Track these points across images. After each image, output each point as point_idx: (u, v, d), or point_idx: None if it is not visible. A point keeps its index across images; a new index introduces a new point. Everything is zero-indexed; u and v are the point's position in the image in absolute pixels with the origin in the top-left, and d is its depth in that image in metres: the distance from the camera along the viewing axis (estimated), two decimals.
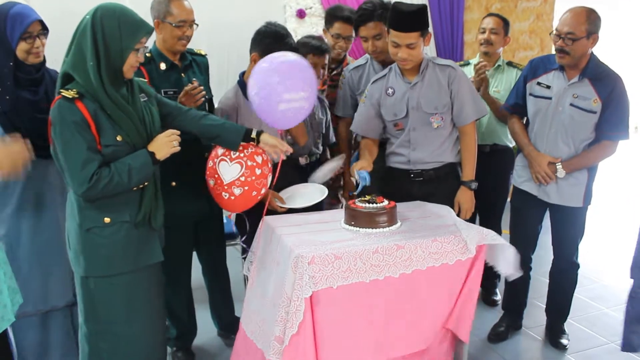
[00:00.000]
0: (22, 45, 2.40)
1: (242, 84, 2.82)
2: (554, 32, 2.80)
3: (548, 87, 2.93)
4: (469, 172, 2.86)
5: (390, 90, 2.86)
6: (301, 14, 4.86)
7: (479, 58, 3.70)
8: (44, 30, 2.48)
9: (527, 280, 3.26)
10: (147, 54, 2.67)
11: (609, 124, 2.83)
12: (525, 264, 3.19)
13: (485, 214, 3.64)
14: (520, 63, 3.75)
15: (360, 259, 2.13)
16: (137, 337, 2.24)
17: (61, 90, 2.07)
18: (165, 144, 2.19)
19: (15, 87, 2.43)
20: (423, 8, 2.66)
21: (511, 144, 3.65)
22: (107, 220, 2.15)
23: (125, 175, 2.08)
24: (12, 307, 2.11)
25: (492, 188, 3.56)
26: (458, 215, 2.72)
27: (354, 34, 3.32)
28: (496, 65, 3.63)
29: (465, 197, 2.85)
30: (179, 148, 2.22)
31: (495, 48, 3.60)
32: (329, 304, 2.11)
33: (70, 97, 2.05)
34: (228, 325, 3.21)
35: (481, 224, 3.52)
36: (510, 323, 3.36)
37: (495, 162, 3.55)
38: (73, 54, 2.08)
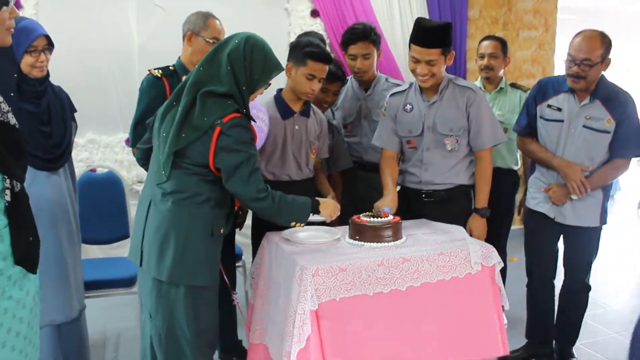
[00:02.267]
0: (27, 59, 2.42)
1: (279, 98, 2.85)
2: (568, 57, 2.79)
3: (559, 109, 2.91)
4: (482, 198, 2.79)
5: (408, 107, 2.83)
6: None
7: (480, 83, 3.70)
8: (50, 45, 2.50)
9: (552, 305, 3.17)
10: (171, 67, 2.74)
11: (621, 141, 2.83)
12: (548, 288, 3.15)
13: (490, 238, 3.57)
14: (523, 85, 3.76)
15: (365, 271, 2.08)
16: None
17: (241, 110, 2.14)
18: (333, 208, 2.37)
19: (19, 99, 2.43)
20: (447, 25, 2.63)
21: (515, 166, 3.64)
22: (222, 230, 2.23)
23: (284, 205, 2.20)
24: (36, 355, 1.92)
25: (496, 211, 3.50)
26: None
27: None
28: (498, 88, 3.63)
29: (478, 225, 2.79)
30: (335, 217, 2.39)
31: (496, 72, 3.62)
32: (335, 317, 2.05)
33: (247, 116, 2.16)
34: (230, 348, 3.14)
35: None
36: (535, 352, 3.22)
37: (499, 185, 3.49)
38: (225, 77, 2.12)
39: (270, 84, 2.29)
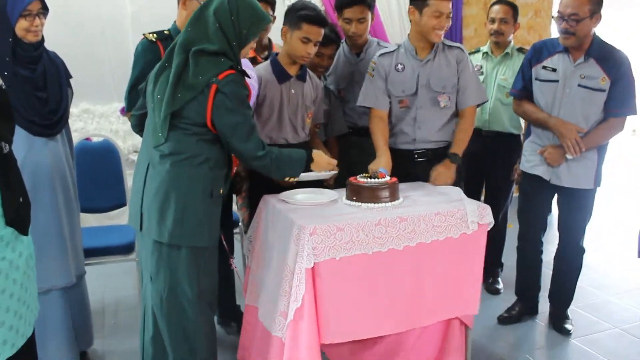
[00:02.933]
0: (21, 23, 2.39)
1: (275, 62, 2.84)
2: (557, 14, 2.79)
3: (554, 69, 2.92)
4: (458, 146, 2.80)
5: (400, 66, 2.84)
6: None
7: (489, 46, 3.69)
8: (44, 9, 2.47)
9: (540, 264, 3.26)
10: (166, 32, 2.71)
11: (616, 100, 2.84)
12: (537, 247, 3.21)
13: (492, 200, 3.61)
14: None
15: (363, 230, 2.10)
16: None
17: (235, 67, 2.13)
18: (327, 164, 2.40)
19: (14, 64, 2.41)
20: None
21: (516, 131, 3.66)
22: (221, 191, 2.23)
23: (282, 162, 2.22)
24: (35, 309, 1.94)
25: (499, 174, 3.62)
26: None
27: (270, 12, 3.31)
28: (504, 52, 3.63)
29: (445, 169, 2.74)
30: (332, 174, 2.45)
31: (506, 37, 3.61)
32: (331, 276, 2.07)
33: (241, 72, 2.14)
34: (228, 311, 3.18)
35: None
36: (525, 309, 3.33)
37: (501, 148, 3.58)
38: (214, 34, 2.10)
39: (259, 37, 2.28)
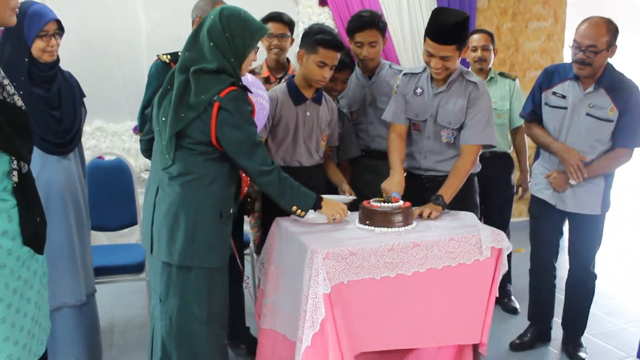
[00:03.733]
0: (37, 44, 2.42)
1: (291, 84, 2.84)
2: (573, 44, 2.78)
3: (563, 96, 2.92)
4: (445, 190, 2.59)
5: (419, 90, 2.81)
6: None
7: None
8: (60, 30, 2.50)
9: (553, 289, 3.22)
10: (179, 53, 2.67)
11: (624, 131, 2.82)
12: (549, 271, 3.17)
13: (493, 220, 3.60)
14: (511, 73, 3.94)
15: (375, 255, 2.08)
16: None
17: (237, 83, 2.12)
18: (336, 210, 2.37)
19: (29, 83, 2.44)
20: (465, 20, 2.54)
21: (508, 149, 3.79)
22: (231, 210, 2.22)
23: (289, 186, 2.22)
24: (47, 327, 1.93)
25: (495, 195, 3.64)
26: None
27: (288, 33, 3.38)
28: (489, 77, 3.74)
29: (431, 207, 2.56)
30: (338, 221, 2.40)
31: (488, 63, 3.76)
32: (345, 300, 2.05)
33: (243, 88, 2.14)
34: (238, 333, 3.15)
35: None
36: (537, 335, 3.27)
37: (495, 167, 3.62)
38: (211, 54, 2.10)
39: (258, 48, 2.28)
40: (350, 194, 2.79)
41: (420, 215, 2.50)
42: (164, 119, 2.15)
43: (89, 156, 3.80)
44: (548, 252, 3.14)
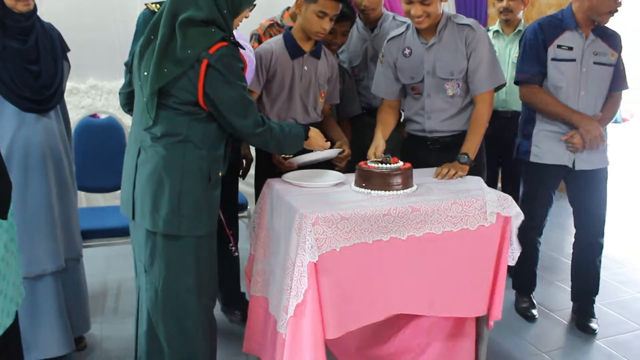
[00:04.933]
0: None
1: (288, 37, 2.66)
2: None
3: (570, 48, 2.77)
4: (468, 145, 2.47)
5: (407, 51, 2.61)
6: None
7: (499, 26, 3.53)
8: None
9: (537, 252, 3.11)
10: None
11: (621, 74, 2.86)
12: (536, 236, 3.05)
13: (512, 183, 3.46)
14: None
15: (369, 221, 1.91)
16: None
17: (228, 38, 1.93)
18: (321, 140, 2.28)
19: (3, 35, 2.27)
20: None
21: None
22: (220, 173, 2.08)
23: (283, 137, 2.09)
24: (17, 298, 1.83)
25: (507, 159, 3.44)
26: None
27: None
28: (516, 30, 3.49)
29: (457, 166, 2.42)
30: (335, 152, 2.38)
31: (515, 14, 3.48)
32: (332, 269, 1.90)
33: (234, 43, 1.96)
34: (233, 299, 3.05)
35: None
36: (519, 305, 3.17)
37: (504, 130, 3.41)
38: (204, 0, 1.91)
39: (255, 5, 2.10)
40: (344, 151, 2.63)
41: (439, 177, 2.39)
42: (145, 73, 1.96)
43: (84, 115, 3.67)
44: (540, 219, 3.01)
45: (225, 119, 1.96)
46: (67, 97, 4.19)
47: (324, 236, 1.85)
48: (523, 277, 3.15)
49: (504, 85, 2.64)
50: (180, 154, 1.96)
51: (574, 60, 2.76)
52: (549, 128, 2.86)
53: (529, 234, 2.99)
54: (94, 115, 3.74)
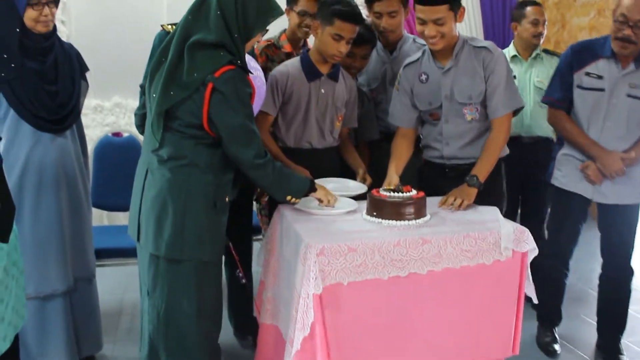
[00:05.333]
0: (29, 13, 2.28)
1: (305, 58, 2.62)
2: (619, 18, 2.49)
3: (599, 77, 2.62)
4: (479, 168, 2.37)
5: (423, 77, 2.54)
6: None
7: (514, 50, 3.46)
8: None
9: (563, 288, 2.95)
10: None
11: None
12: (563, 266, 2.91)
13: (529, 211, 3.40)
14: (557, 51, 3.58)
15: (379, 252, 1.85)
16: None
17: (236, 61, 1.91)
18: (330, 194, 2.22)
19: (22, 55, 2.29)
20: None
21: (552, 135, 3.42)
22: (227, 199, 2.05)
23: (284, 176, 2.07)
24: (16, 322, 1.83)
25: (539, 180, 3.28)
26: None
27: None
28: (534, 55, 3.42)
29: (463, 192, 2.32)
30: (331, 202, 2.23)
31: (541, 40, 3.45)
32: (342, 303, 1.84)
33: (242, 68, 1.94)
34: (244, 324, 3.00)
35: (523, 221, 3.21)
36: (541, 340, 3.02)
37: (542, 154, 3.28)
38: (215, 23, 1.89)
39: (267, 30, 2.08)
40: (366, 181, 2.57)
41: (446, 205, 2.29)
42: (154, 95, 1.96)
43: (106, 132, 3.71)
44: (564, 247, 2.87)
45: (226, 146, 1.93)
46: (92, 115, 4.29)
47: (330, 267, 1.80)
48: (547, 309, 3.02)
49: (521, 108, 2.55)
50: (185, 178, 1.94)
51: (602, 90, 2.62)
52: (571, 152, 2.76)
53: (554, 265, 2.90)
54: (116, 134, 3.77)
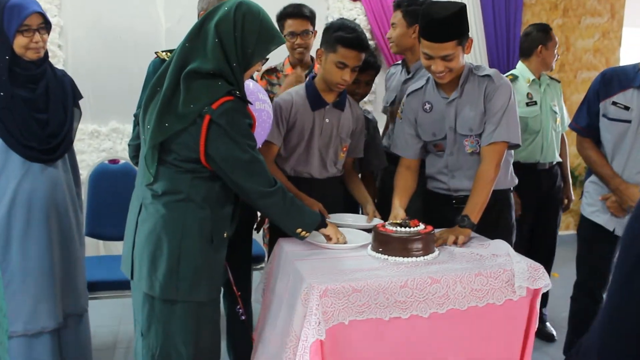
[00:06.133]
0: (19, 40, 2.19)
1: (310, 87, 2.50)
2: None
3: (627, 108, 2.48)
4: (471, 207, 2.20)
5: (427, 106, 2.42)
6: None
7: (531, 73, 3.34)
8: (46, 24, 2.26)
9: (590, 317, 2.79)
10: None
11: None
12: (595, 304, 2.73)
13: (539, 241, 3.31)
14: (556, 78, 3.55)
15: (384, 293, 1.73)
16: None
17: (234, 92, 1.80)
18: (339, 233, 2.10)
19: (11, 84, 2.20)
20: (459, 11, 2.17)
21: (555, 160, 3.39)
22: (226, 234, 1.93)
23: (295, 207, 1.95)
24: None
25: (545, 206, 3.28)
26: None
27: (310, 28, 3.04)
28: (541, 79, 3.37)
29: (456, 231, 2.17)
30: (340, 240, 2.11)
31: None
32: (342, 344, 1.72)
33: (241, 98, 1.83)
34: (244, 357, 2.86)
35: (530, 254, 3.10)
36: None
37: (542, 184, 3.26)
38: (213, 51, 1.79)
39: (268, 59, 1.98)
40: (375, 217, 2.44)
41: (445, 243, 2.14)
42: (148, 126, 1.85)
43: (104, 158, 3.61)
44: (596, 282, 2.71)
45: (230, 179, 1.82)
46: (88, 140, 4.20)
47: (332, 309, 1.68)
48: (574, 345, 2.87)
49: (517, 146, 2.40)
50: (180, 214, 1.83)
51: (628, 121, 2.47)
52: (598, 182, 2.65)
53: (583, 299, 2.77)
54: (113, 161, 3.67)
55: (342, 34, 2.35)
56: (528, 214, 3.23)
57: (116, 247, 4.04)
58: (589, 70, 5.36)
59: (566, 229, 5.19)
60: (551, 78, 3.42)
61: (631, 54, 5.37)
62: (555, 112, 3.26)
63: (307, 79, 2.65)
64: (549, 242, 3.38)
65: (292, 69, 3.11)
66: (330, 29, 2.41)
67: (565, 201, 3.47)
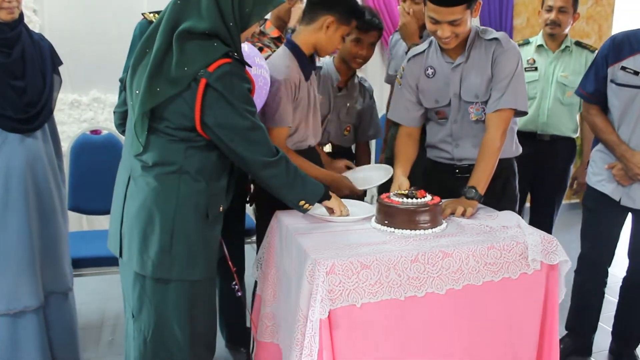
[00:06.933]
0: None
1: (296, 51, 2.25)
2: None
3: (636, 73, 2.38)
4: (478, 177, 2.11)
5: (430, 71, 2.30)
6: None
7: (542, 39, 3.21)
8: None
9: (602, 297, 2.75)
10: None
11: None
12: (600, 275, 2.70)
13: (540, 210, 3.22)
14: (590, 44, 3.27)
15: (395, 269, 1.63)
16: None
17: (232, 54, 1.66)
18: (343, 205, 2.00)
19: None
20: None
21: (574, 134, 3.24)
22: (221, 208, 1.82)
23: (299, 177, 1.83)
24: None
25: (551, 182, 3.18)
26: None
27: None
28: (563, 46, 3.17)
29: (463, 202, 2.08)
30: (344, 213, 2.00)
31: (563, 29, 3.13)
32: (353, 326, 1.62)
33: (240, 61, 1.69)
34: (238, 335, 2.79)
35: (532, 221, 3.03)
36: (574, 347, 2.81)
37: (555, 153, 3.14)
38: (208, 9, 1.64)
39: (266, 20, 1.84)
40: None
41: (452, 214, 2.04)
42: (137, 91, 1.70)
43: (85, 129, 3.45)
44: (602, 254, 2.66)
45: (229, 148, 1.69)
46: (68, 110, 4.03)
47: (341, 288, 1.57)
48: (578, 319, 2.81)
49: (524, 114, 2.31)
50: (174, 187, 1.70)
51: (637, 87, 2.38)
52: (604, 150, 2.57)
53: (589, 270, 2.70)
54: (95, 131, 3.51)
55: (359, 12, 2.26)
56: (522, 183, 3.14)
57: (100, 222, 3.91)
58: (581, 37, 5.24)
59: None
60: (580, 45, 3.20)
61: (624, 20, 5.30)
62: (564, 84, 3.10)
63: (267, 37, 2.52)
64: (543, 219, 3.22)
65: (278, 31, 2.94)
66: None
67: (575, 184, 3.25)
